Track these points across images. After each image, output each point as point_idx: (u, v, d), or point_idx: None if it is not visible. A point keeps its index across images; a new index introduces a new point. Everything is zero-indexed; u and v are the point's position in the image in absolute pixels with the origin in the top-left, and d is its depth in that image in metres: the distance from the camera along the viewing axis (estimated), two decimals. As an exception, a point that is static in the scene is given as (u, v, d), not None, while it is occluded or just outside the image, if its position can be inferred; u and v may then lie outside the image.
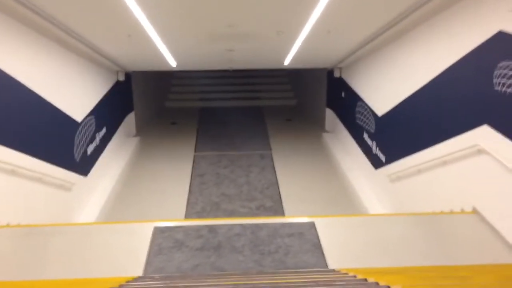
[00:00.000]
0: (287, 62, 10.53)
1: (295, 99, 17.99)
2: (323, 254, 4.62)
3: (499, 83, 4.58)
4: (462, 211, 5.35)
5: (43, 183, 6.36)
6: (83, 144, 8.25)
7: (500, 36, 4.57)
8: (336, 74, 11.81)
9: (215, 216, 8.74)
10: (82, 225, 6.56)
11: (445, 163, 5.79)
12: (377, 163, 8.65)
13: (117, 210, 8.90)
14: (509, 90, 4.42)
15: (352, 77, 10.69)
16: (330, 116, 13.14)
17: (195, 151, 12.47)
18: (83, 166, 8.23)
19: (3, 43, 5.35)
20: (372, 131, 8.93)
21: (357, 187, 9.28)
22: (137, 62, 10.66)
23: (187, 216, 8.79)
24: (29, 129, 6.10)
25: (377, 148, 8.63)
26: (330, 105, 13.15)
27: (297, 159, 11.77)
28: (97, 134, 9.28)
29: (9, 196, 5.54)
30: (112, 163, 10.44)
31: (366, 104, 9.33)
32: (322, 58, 10.82)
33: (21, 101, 5.89)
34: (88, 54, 8.27)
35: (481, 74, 4.90)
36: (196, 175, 10.81)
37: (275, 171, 10.96)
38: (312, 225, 5.12)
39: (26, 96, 6.02)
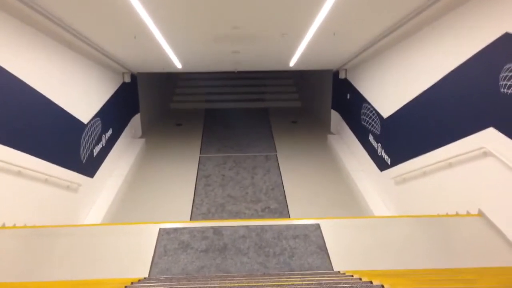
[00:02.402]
0: (292, 63, 10.54)
1: (301, 101, 17.98)
2: (328, 256, 4.62)
3: (505, 85, 4.56)
4: (468, 214, 5.34)
5: (49, 184, 6.40)
6: (89, 146, 8.29)
7: (507, 38, 4.56)
8: (342, 75, 11.80)
9: (220, 218, 8.75)
10: (88, 226, 6.60)
11: (450, 165, 5.78)
12: (382, 165, 8.64)
13: (123, 211, 8.93)
14: (515, 92, 4.41)
15: (357, 79, 10.68)
16: (335, 118, 13.13)
17: (200, 152, 12.50)
18: (89, 167, 8.27)
19: (9, 45, 5.39)
20: (378, 133, 8.91)
21: (362, 189, 9.27)
22: (143, 63, 10.70)
23: (193, 217, 8.81)
24: (35, 131, 6.14)
25: (383, 150, 8.62)
26: (335, 107, 13.14)
27: (302, 161, 11.77)
28: (103, 136, 9.32)
29: (15, 197, 5.58)
30: (118, 164, 10.49)
31: (371, 106, 9.32)
32: (327, 60, 10.81)
33: (28, 103, 5.93)
34: (94, 55, 8.32)
35: (487, 76, 4.89)
36: (201, 176, 10.83)
37: (280, 173, 10.97)
38: (317, 227, 5.13)
39: (33, 98, 6.07)
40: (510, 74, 4.48)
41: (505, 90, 4.56)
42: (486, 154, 4.98)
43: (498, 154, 4.73)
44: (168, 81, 17.78)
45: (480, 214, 5.14)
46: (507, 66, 4.52)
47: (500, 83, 4.64)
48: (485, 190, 5.12)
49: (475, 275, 3.98)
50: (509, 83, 4.50)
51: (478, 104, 5.12)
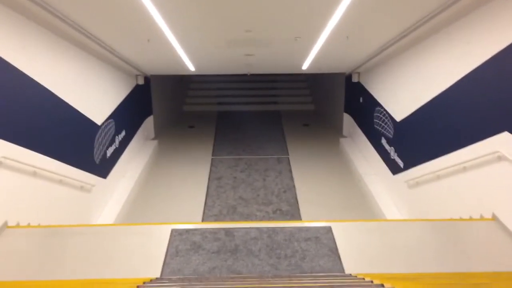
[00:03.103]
0: (305, 67, 10.54)
1: (313, 104, 17.97)
2: (339, 259, 4.61)
3: (520, 89, 4.53)
4: (481, 218, 5.29)
5: (63, 184, 6.48)
6: (103, 147, 8.38)
7: (521, 42, 4.54)
8: (354, 79, 11.77)
9: (232, 220, 8.77)
10: (101, 226, 6.66)
11: (464, 169, 5.74)
12: (395, 169, 8.59)
13: (135, 212, 9.00)
14: (529, 96, 4.37)
15: (370, 82, 10.65)
16: (347, 121, 13.10)
17: (213, 154, 12.55)
18: (102, 168, 8.35)
19: (26, 47, 5.47)
20: (390, 136, 8.87)
21: (374, 192, 9.23)
22: (156, 66, 10.78)
23: (204, 219, 8.85)
24: (50, 132, 6.22)
25: (395, 153, 8.58)
26: (348, 110, 13.11)
27: (314, 164, 11.76)
28: (116, 137, 9.41)
29: (30, 197, 5.65)
30: (131, 165, 10.57)
31: (384, 109, 9.28)
32: (340, 63, 10.80)
33: (43, 104, 6.01)
34: (109, 58, 8.41)
35: (501, 80, 4.85)
36: (213, 178, 10.87)
37: (292, 176, 10.96)
38: (329, 230, 5.12)
39: (48, 99, 6.15)
40: (525, 77, 4.45)
41: (520, 94, 4.53)
42: (500, 158, 4.95)
43: (512, 158, 4.69)
44: (181, 84, 17.88)
45: (494, 218, 5.10)
46: (522, 69, 4.49)
47: (515, 86, 4.61)
48: (499, 194, 5.08)
49: (488, 279, 3.95)
50: (523, 86, 4.47)
51: (492, 109, 5.09)
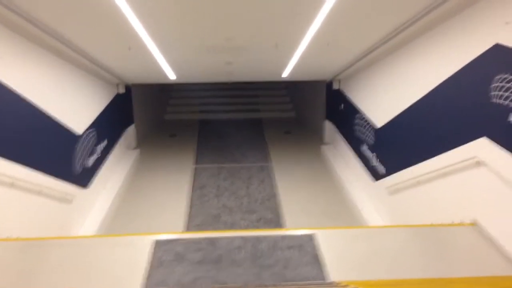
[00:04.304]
0: (286, 74, 10.60)
1: (294, 111, 18.06)
2: (323, 266, 4.62)
3: (496, 95, 4.62)
4: (462, 223, 5.36)
5: (43, 195, 6.38)
6: (83, 157, 8.28)
7: (497, 49, 4.63)
8: (335, 86, 11.88)
9: (216, 229, 8.73)
10: (82, 238, 6.56)
11: (444, 175, 5.81)
12: (376, 175, 8.67)
13: (117, 223, 8.90)
14: (506, 102, 4.46)
15: (350, 89, 10.75)
16: (329, 128, 13.18)
17: (195, 163, 12.50)
18: (83, 178, 8.25)
19: (1, 55, 5.39)
20: (371, 143, 8.96)
21: (356, 199, 9.29)
22: (137, 74, 10.72)
23: (188, 228, 8.79)
24: (28, 141, 6.13)
25: (376, 160, 8.66)
26: (329, 117, 13.20)
27: (296, 171, 11.79)
28: (97, 147, 9.31)
29: (9, 209, 5.55)
30: (113, 175, 10.46)
31: (365, 116, 9.37)
32: (321, 70, 10.88)
33: (22, 114, 5.93)
34: (89, 67, 8.34)
35: (478, 86, 4.94)
36: (196, 187, 10.82)
37: (275, 183, 10.98)
38: (311, 237, 5.13)
39: (26, 109, 6.07)
40: (501, 84, 4.54)
41: (497, 100, 4.62)
42: (479, 163, 5.02)
43: (491, 163, 4.77)
44: (162, 92, 17.81)
45: (474, 223, 5.17)
46: (498, 76, 4.57)
47: (492, 93, 4.69)
48: (478, 199, 5.15)
49: (469, 285, 3.99)
50: (500, 93, 4.56)
51: (471, 114, 5.17)
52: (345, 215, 9.28)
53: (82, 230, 7.88)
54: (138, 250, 4.96)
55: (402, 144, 7.38)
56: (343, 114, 11.46)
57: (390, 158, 8.01)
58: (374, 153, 8.81)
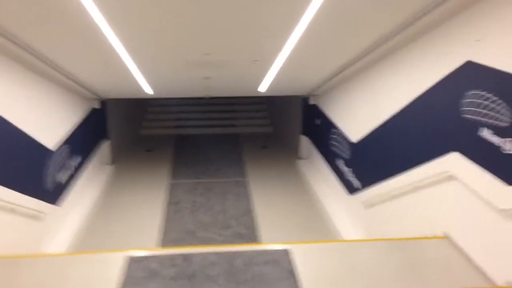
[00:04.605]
0: (263, 89, 10.64)
1: (271, 126, 18.11)
2: (298, 281, 4.61)
3: (468, 111, 4.72)
4: (434, 236, 5.43)
5: (13, 213, 6.22)
6: (56, 173, 8.13)
7: (469, 66, 4.74)
8: (311, 101, 11.99)
9: (191, 244, 8.64)
10: (53, 256, 6.40)
11: (417, 188, 5.89)
12: (351, 189, 8.73)
13: (90, 240, 8.72)
14: (477, 118, 4.56)
15: (326, 104, 10.85)
16: (305, 143, 13.26)
17: (171, 178, 12.39)
18: (55, 195, 8.09)
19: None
20: (347, 157, 9.03)
21: (332, 213, 9.33)
22: (113, 89, 10.63)
23: (163, 244, 8.67)
24: None
25: (352, 174, 8.73)
26: (305, 132, 13.29)
27: (272, 186, 11.79)
28: (71, 163, 9.16)
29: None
30: (86, 191, 10.29)
31: (340, 131, 9.46)
32: (298, 85, 10.97)
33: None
34: (63, 81, 8.22)
35: (451, 102, 5.05)
36: (171, 202, 10.71)
37: (251, 198, 10.95)
38: (287, 252, 5.12)
39: (-2, 124, 5.95)
40: (472, 100, 4.65)
41: (467, 116, 4.72)
42: (450, 177, 5.11)
43: (462, 177, 4.86)
44: (138, 107, 17.68)
45: (446, 236, 5.24)
46: (470, 92, 4.68)
47: (463, 108, 4.80)
48: (450, 212, 5.23)
49: (442, 297, 4.03)
50: (471, 109, 4.66)
51: (443, 129, 5.27)
52: (321, 229, 9.29)
53: (53, 247, 7.69)
54: (111, 267, 4.87)
55: (377, 159, 7.46)
56: (319, 129, 11.55)
57: (365, 172, 8.09)
58: (350, 168, 8.88)
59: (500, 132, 4.23)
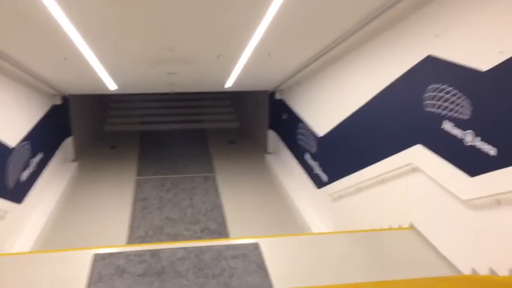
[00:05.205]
0: (228, 85, 10.62)
1: (238, 122, 18.11)
2: (268, 275, 4.62)
3: (429, 104, 4.83)
4: (400, 227, 5.54)
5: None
6: (16, 170, 7.88)
7: (429, 60, 4.85)
8: (277, 96, 12.03)
9: (159, 240, 8.55)
10: (16, 255, 6.21)
11: (383, 181, 6.00)
12: (319, 183, 8.82)
13: (55, 238, 8.51)
14: (438, 111, 4.67)
15: (292, 99, 10.91)
16: (272, 137, 13.31)
17: (137, 175, 12.22)
18: (17, 193, 7.85)
19: None
20: (314, 151, 9.11)
21: (300, 207, 9.40)
22: (75, 85, 10.38)
23: (130, 241, 8.55)
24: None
25: (319, 168, 8.81)
26: (272, 126, 13.33)
27: (240, 181, 11.80)
28: (32, 160, 8.90)
29: None
30: (49, 189, 10.03)
31: (307, 125, 9.54)
32: (263, 81, 10.99)
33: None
34: (22, 77, 7.96)
35: (412, 96, 5.15)
36: (138, 199, 10.57)
37: (219, 193, 10.92)
38: (256, 246, 5.13)
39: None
40: (433, 94, 4.75)
41: (429, 109, 4.83)
42: (414, 169, 5.22)
43: (425, 169, 4.97)
44: (101, 103, 17.36)
45: (412, 227, 5.35)
46: (431, 86, 4.79)
47: (425, 102, 4.90)
48: (415, 204, 5.35)
49: (408, 286, 4.12)
50: (433, 102, 4.77)
51: (406, 123, 5.38)
52: (289, 223, 9.36)
53: (16, 247, 7.47)
54: (76, 266, 4.76)
55: (343, 152, 7.56)
56: (286, 124, 11.61)
57: (332, 166, 8.18)
58: (317, 161, 8.97)
59: (461, 124, 4.34)
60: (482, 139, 4.06)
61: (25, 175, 8.37)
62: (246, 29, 5.62)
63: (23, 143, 8.29)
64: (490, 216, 4.03)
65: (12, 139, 7.76)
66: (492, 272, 4.00)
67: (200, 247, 5.11)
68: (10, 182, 7.54)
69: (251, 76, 9.55)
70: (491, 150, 3.93)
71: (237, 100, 18.28)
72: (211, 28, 5.57)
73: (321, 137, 8.58)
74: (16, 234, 7.70)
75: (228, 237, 8.78)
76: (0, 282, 4.50)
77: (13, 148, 7.74)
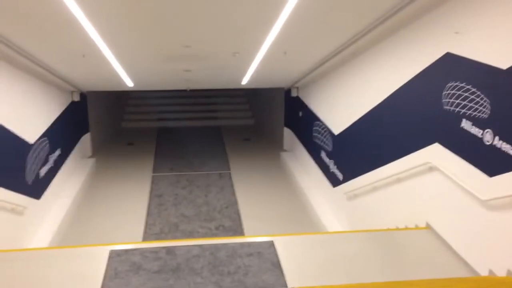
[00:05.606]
0: (244, 82, 10.62)
1: (253, 119, 18.10)
2: (282, 273, 4.61)
3: (448, 102, 4.76)
4: (416, 227, 5.49)
5: (-8, 207, 6.11)
6: (35, 166, 7.99)
7: (448, 57, 4.78)
8: (293, 93, 11.99)
9: (174, 237, 8.60)
10: (34, 251, 6.31)
11: (399, 180, 5.94)
12: (334, 181, 8.78)
13: (72, 234, 8.63)
14: (457, 109, 4.60)
15: (309, 96, 10.87)
16: (288, 135, 13.28)
17: (153, 171, 12.30)
18: (36, 189, 7.96)
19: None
20: (330, 149, 9.07)
21: (315, 205, 9.37)
22: (93, 82, 10.49)
23: (145, 238, 8.62)
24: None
25: (335, 166, 8.77)
26: (288, 124, 13.30)
27: (255, 178, 11.80)
28: (50, 156, 9.02)
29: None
30: (67, 185, 10.15)
31: (323, 123, 9.49)
32: (279, 78, 10.97)
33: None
34: (42, 74, 8.07)
35: (431, 93, 5.09)
36: (154, 196, 10.65)
37: (234, 191, 10.94)
38: (271, 244, 5.12)
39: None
40: (452, 92, 4.69)
41: (448, 107, 4.76)
42: (432, 168, 5.16)
43: (443, 168, 4.90)
44: (119, 100, 17.50)
45: (428, 227, 5.30)
46: (449, 84, 4.72)
47: (443, 100, 4.84)
48: (431, 203, 5.29)
49: (424, 287, 4.08)
50: (451, 100, 4.70)
51: (424, 121, 5.31)
52: (304, 221, 9.34)
53: (34, 242, 7.58)
54: (93, 262, 4.82)
55: (359, 151, 7.51)
56: (302, 121, 11.57)
57: (348, 164, 8.13)
58: (332, 160, 8.92)
59: (480, 123, 4.28)
60: (501, 138, 4.00)
61: (43, 171, 8.48)
62: (262, 27, 5.61)
63: (42, 139, 8.40)
64: (508, 216, 3.96)
65: (31, 135, 7.87)
66: (510, 273, 3.94)
67: (215, 245, 5.13)
68: (29, 178, 7.65)
69: (267, 73, 9.54)
70: (511, 150, 3.86)
71: (252, 97, 18.28)
72: (227, 26, 5.57)
73: (337, 135, 8.53)
74: (35, 229, 7.82)
75: (243, 234, 8.79)
76: (18, 277, 4.57)
77: (32, 145, 7.85)
